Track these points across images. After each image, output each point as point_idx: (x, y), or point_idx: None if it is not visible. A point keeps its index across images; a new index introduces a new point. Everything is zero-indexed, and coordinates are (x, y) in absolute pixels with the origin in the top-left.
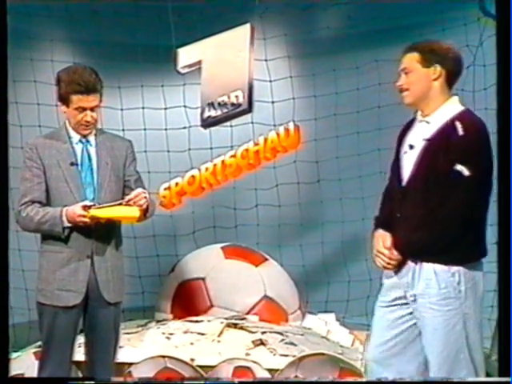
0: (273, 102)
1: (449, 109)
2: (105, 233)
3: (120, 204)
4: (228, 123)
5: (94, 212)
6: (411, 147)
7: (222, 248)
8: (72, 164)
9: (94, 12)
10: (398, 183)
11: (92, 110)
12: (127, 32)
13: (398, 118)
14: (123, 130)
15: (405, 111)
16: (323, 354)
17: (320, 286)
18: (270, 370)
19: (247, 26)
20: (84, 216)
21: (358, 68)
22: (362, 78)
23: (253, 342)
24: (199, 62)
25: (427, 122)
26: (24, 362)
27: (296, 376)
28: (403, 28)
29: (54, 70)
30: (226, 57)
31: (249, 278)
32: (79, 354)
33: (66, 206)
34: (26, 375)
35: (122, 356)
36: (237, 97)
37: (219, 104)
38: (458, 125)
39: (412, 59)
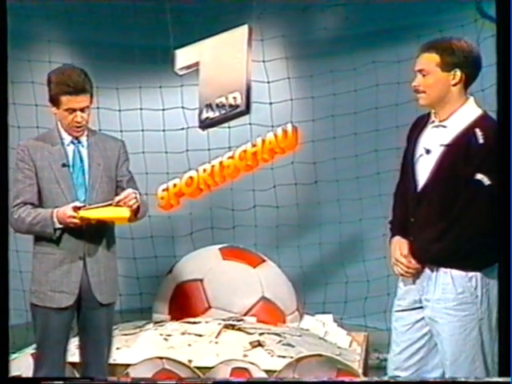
0: (271, 104)
1: (467, 113)
2: (97, 234)
3: (110, 205)
4: (226, 124)
5: (83, 213)
6: (428, 152)
7: (220, 249)
8: (64, 165)
9: (92, 13)
10: (413, 188)
11: (82, 110)
12: (125, 33)
13: (395, 120)
14: (121, 131)
15: (403, 113)
16: (321, 355)
17: (318, 287)
18: (267, 372)
19: (245, 28)
20: (74, 217)
21: (356, 69)
22: (359, 80)
23: (250, 343)
24: (197, 64)
25: (444, 127)
26: (22, 363)
27: (294, 377)
28: (400, 29)
29: None
30: (224, 58)
31: (246, 279)
32: (76, 356)
33: (58, 207)
34: (24, 376)
35: (119, 357)
36: (235, 98)
37: (217, 105)
38: (478, 132)
39: (431, 60)
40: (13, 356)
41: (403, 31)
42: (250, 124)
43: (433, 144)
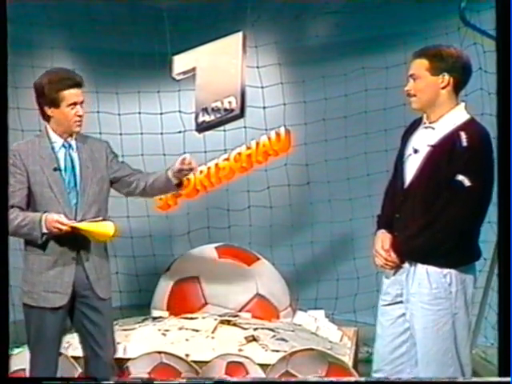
0: (264, 108)
1: (454, 117)
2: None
3: (99, 220)
4: (221, 128)
5: (73, 224)
6: (416, 151)
7: (216, 248)
8: (55, 169)
9: (93, 21)
10: (400, 185)
11: (81, 104)
12: (124, 40)
13: (383, 123)
14: (120, 134)
15: (391, 117)
16: (313, 350)
17: (310, 284)
18: (261, 365)
19: (240, 35)
20: (64, 224)
21: (346, 75)
22: (349, 85)
23: (245, 338)
24: (193, 69)
25: (433, 128)
26: (25, 358)
27: (287, 371)
28: (388, 37)
29: None
30: (220, 64)
31: (241, 276)
32: (78, 350)
33: (50, 211)
34: (28, 370)
35: (119, 352)
36: (230, 102)
37: (213, 109)
38: (463, 135)
39: (421, 66)
40: (16, 350)
41: (391, 39)
42: (245, 127)
43: (421, 144)
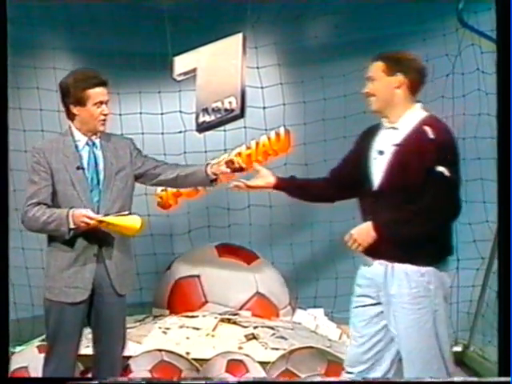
0: (264, 108)
1: (414, 115)
2: (109, 232)
3: (125, 214)
4: (222, 128)
5: (100, 218)
6: (381, 153)
7: (216, 247)
8: (78, 168)
9: (94, 22)
10: (368, 188)
11: (106, 104)
12: (126, 41)
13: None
14: (122, 134)
15: None
16: (312, 348)
17: (309, 283)
18: (261, 363)
19: (240, 36)
20: (91, 218)
21: (345, 76)
22: (348, 85)
23: (245, 336)
24: (194, 70)
25: (395, 128)
26: (27, 355)
27: (287, 368)
28: (387, 38)
29: (56, 77)
30: (220, 64)
31: (241, 275)
32: (81, 348)
33: (73, 208)
34: (30, 368)
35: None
36: (230, 103)
37: (213, 109)
38: (427, 129)
39: (377, 68)
40: (18, 348)
41: (389, 40)
42: (245, 127)
43: (385, 145)
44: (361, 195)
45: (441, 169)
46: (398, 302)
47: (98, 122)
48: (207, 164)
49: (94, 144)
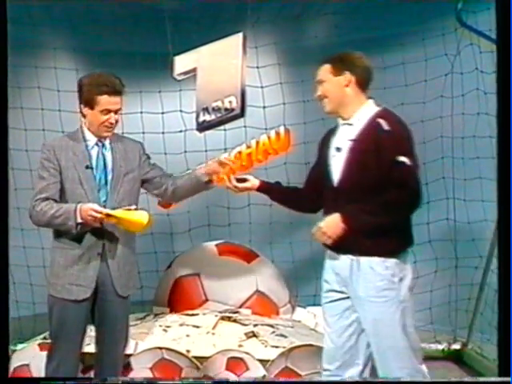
0: (264, 107)
1: (367, 110)
2: (115, 231)
3: (133, 209)
4: (222, 127)
5: (108, 211)
6: (338, 150)
7: (216, 245)
8: (87, 167)
9: (95, 22)
10: (330, 185)
11: (116, 112)
12: (126, 41)
13: None
14: (122, 133)
15: None
16: (312, 345)
17: (309, 281)
18: (261, 361)
19: (240, 35)
20: (99, 212)
21: None
22: None
23: (245, 334)
24: (194, 69)
25: (350, 124)
26: (29, 353)
27: (286, 366)
28: (386, 38)
29: (57, 77)
30: (220, 64)
31: (241, 273)
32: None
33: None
34: (31, 366)
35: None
36: (230, 102)
37: (213, 109)
38: (381, 121)
39: (325, 70)
40: (20, 346)
41: (388, 40)
42: (245, 127)
43: (342, 142)
44: (324, 193)
45: (402, 158)
46: (365, 296)
47: (103, 128)
48: (195, 169)
49: (103, 145)
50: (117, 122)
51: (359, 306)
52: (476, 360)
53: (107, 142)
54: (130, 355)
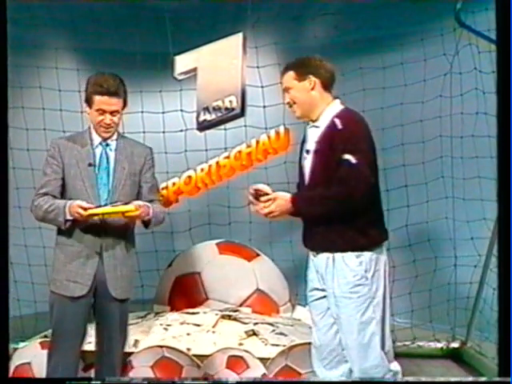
0: (264, 107)
1: (330, 111)
2: (115, 232)
3: (119, 204)
4: (222, 126)
5: (91, 211)
6: (307, 152)
7: (217, 244)
8: (90, 165)
9: (96, 22)
10: (303, 186)
11: (112, 114)
12: (127, 41)
13: (381, 122)
14: (123, 132)
15: (388, 116)
16: (312, 344)
17: None
18: (261, 359)
19: (240, 35)
20: (84, 209)
21: (344, 75)
22: (347, 85)
23: (246, 332)
24: (195, 69)
25: (316, 127)
26: (30, 351)
27: (286, 364)
28: (385, 38)
29: (59, 77)
30: (220, 64)
31: (242, 272)
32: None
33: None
34: (32, 364)
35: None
36: (230, 101)
37: (214, 108)
38: (337, 121)
39: (289, 77)
40: (21, 344)
41: (388, 40)
42: (245, 126)
43: (310, 144)
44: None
45: (347, 156)
46: (339, 292)
47: (100, 128)
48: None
49: (107, 145)
50: (115, 123)
51: (334, 302)
52: (475, 358)
53: (113, 143)
54: (130, 353)
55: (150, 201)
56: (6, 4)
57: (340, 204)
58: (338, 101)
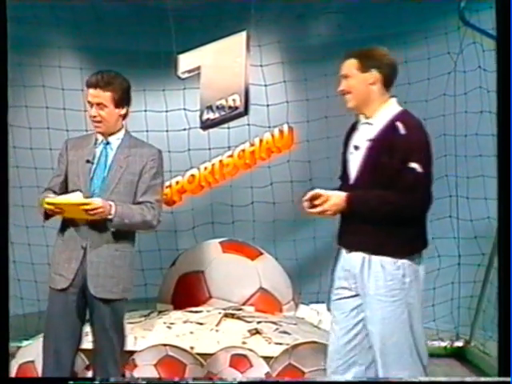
0: (268, 105)
1: (388, 110)
2: (101, 230)
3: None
4: (225, 125)
5: (48, 200)
6: (356, 148)
7: (220, 243)
8: (87, 161)
9: (99, 21)
10: (346, 182)
11: (99, 106)
12: (130, 39)
13: None
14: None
15: None
16: (315, 342)
17: (312, 278)
18: (265, 358)
19: (243, 34)
20: (47, 202)
21: None
22: None
23: (249, 331)
24: (198, 68)
25: (370, 124)
26: (34, 350)
27: (290, 363)
28: (389, 36)
29: (62, 76)
30: (224, 62)
31: (245, 270)
32: (85, 343)
33: None
34: (36, 362)
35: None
36: (234, 100)
37: (217, 107)
38: (399, 124)
39: (351, 65)
40: (25, 343)
41: (391, 38)
42: (249, 125)
43: (360, 140)
44: (341, 189)
45: (413, 165)
46: (374, 294)
47: (92, 123)
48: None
49: (107, 143)
50: (103, 118)
51: (367, 303)
52: (478, 357)
53: (116, 142)
54: (134, 352)
55: (142, 202)
56: (5, 3)
57: (399, 210)
58: (394, 100)
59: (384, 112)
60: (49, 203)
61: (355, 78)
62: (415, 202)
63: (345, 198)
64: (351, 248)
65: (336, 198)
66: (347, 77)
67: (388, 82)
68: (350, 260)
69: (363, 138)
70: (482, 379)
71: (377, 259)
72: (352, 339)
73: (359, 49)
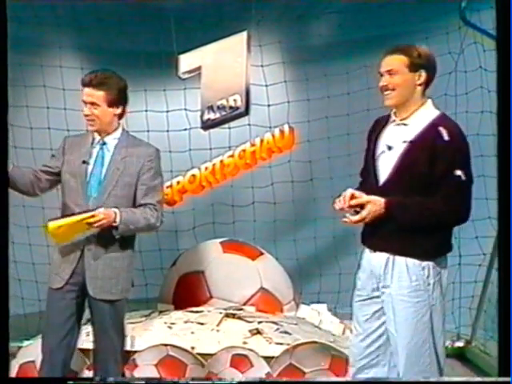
0: (268, 105)
1: (426, 113)
2: (100, 232)
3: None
4: (226, 125)
5: (51, 225)
6: (390, 148)
7: (221, 243)
8: (84, 162)
9: (100, 21)
10: (375, 182)
11: (93, 105)
12: (131, 39)
13: None
14: (127, 131)
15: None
16: (316, 343)
17: (313, 279)
18: (265, 358)
19: (244, 34)
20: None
21: (348, 73)
22: (352, 83)
23: (250, 331)
24: (199, 68)
25: (405, 125)
26: (34, 350)
27: (290, 363)
28: (390, 36)
29: (63, 76)
30: (225, 62)
31: (246, 270)
32: (86, 343)
33: (71, 199)
34: (37, 362)
35: (126, 344)
36: (235, 100)
37: (218, 107)
38: (442, 130)
39: (399, 61)
40: (26, 343)
41: (392, 38)
42: (249, 125)
43: (395, 141)
44: (366, 190)
45: (459, 172)
46: (397, 294)
47: (86, 120)
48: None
49: (104, 143)
50: (96, 116)
51: (390, 303)
52: (479, 357)
53: (113, 142)
54: (135, 352)
55: (144, 205)
56: (5, 3)
57: (440, 217)
58: (431, 102)
59: (422, 114)
60: (53, 228)
61: (403, 76)
62: (458, 210)
63: (384, 204)
64: (376, 248)
65: (374, 205)
66: (393, 73)
67: (428, 84)
68: (374, 260)
69: (398, 138)
70: (483, 379)
71: (401, 259)
72: (375, 341)
73: (404, 45)
